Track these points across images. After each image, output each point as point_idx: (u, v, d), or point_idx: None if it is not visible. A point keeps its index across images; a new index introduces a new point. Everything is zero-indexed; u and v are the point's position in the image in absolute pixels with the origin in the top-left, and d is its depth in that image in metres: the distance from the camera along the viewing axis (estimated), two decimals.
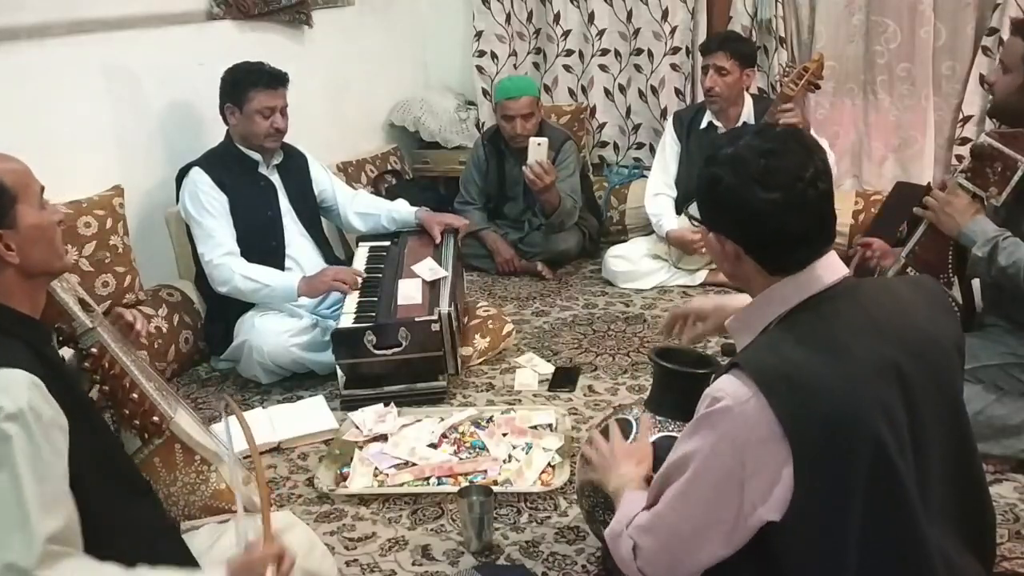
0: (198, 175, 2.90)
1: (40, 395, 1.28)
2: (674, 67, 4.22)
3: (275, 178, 3.06)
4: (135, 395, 1.59)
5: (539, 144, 3.54)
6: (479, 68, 4.54)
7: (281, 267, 2.98)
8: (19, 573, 1.20)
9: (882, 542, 1.20)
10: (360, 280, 2.92)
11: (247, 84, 2.90)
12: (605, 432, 1.73)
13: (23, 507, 1.22)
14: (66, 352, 1.56)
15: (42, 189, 1.45)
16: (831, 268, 1.30)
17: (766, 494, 1.19)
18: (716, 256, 1.38)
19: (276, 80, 2.93)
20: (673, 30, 4.16)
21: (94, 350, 1.56)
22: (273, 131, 2.94)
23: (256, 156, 3.01)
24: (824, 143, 3.49)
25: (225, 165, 2.96)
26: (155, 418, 1.62)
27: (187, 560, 1.48)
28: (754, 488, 1.19)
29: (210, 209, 2.88)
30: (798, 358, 1.21)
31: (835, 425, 1.16)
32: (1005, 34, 3.55)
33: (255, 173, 3.02)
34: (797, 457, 1.17)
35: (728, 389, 1.21)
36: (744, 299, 1.68)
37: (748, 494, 1.20)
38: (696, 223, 1.42)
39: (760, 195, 1.23)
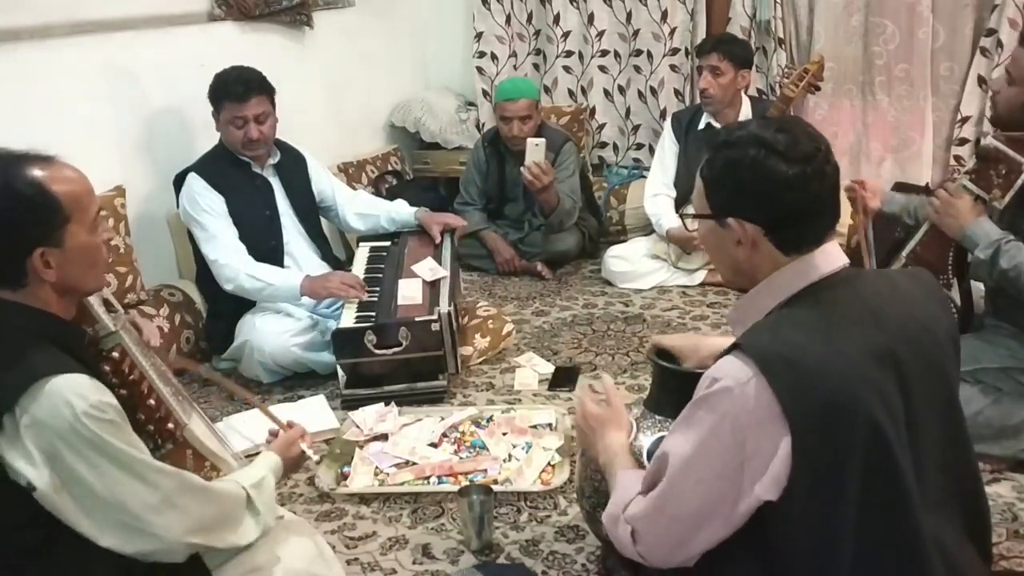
0: (193, 180, 2.89)
1: (104, 391, 1.33)
2: (673, 68, 4.22)
3: (272, 177, 3.05)
4: (152, 401, 1.57)
5: (536, 145, 3.55)
6: (479, 69, 4.55)
7: (280, 266, 2.97)
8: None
9: (877, 526, 1.20)
10: (362, 294, 2.85)
11: (219, 94, 2.87)
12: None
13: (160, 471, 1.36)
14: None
15: (99, 210, 1.44)
16: (831, 257, 1.32)
17: (765, 474, 1.19)
18: (723, 251, 1.37)
19: (246, 90, 2.83)
20: (672, 31, 4.17)
21: (115, 354, 1.54)
22: (246, 141, 2.87)
23: (247, 158, 2.99)
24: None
25: (219, 167, 2.94)
26: (170, 425, 1.60)
27: (198, 566, 1.48)
28: (753, 468, 1.19)
29: (209, 211, 2.88)
30: (798, 341, 1.22)
31: (834, 407, 1.17)
32: (1004, 35, 3.55)
33: (250, 173, 3.00)
34: (796, 438, 1.17)
35: (728, 370, 1.21)
36: (723, 341, 1.69)
37: (747, 474, 1.20)
38: (694, 220, 1.42)
39: (783, 167, 1.26)
